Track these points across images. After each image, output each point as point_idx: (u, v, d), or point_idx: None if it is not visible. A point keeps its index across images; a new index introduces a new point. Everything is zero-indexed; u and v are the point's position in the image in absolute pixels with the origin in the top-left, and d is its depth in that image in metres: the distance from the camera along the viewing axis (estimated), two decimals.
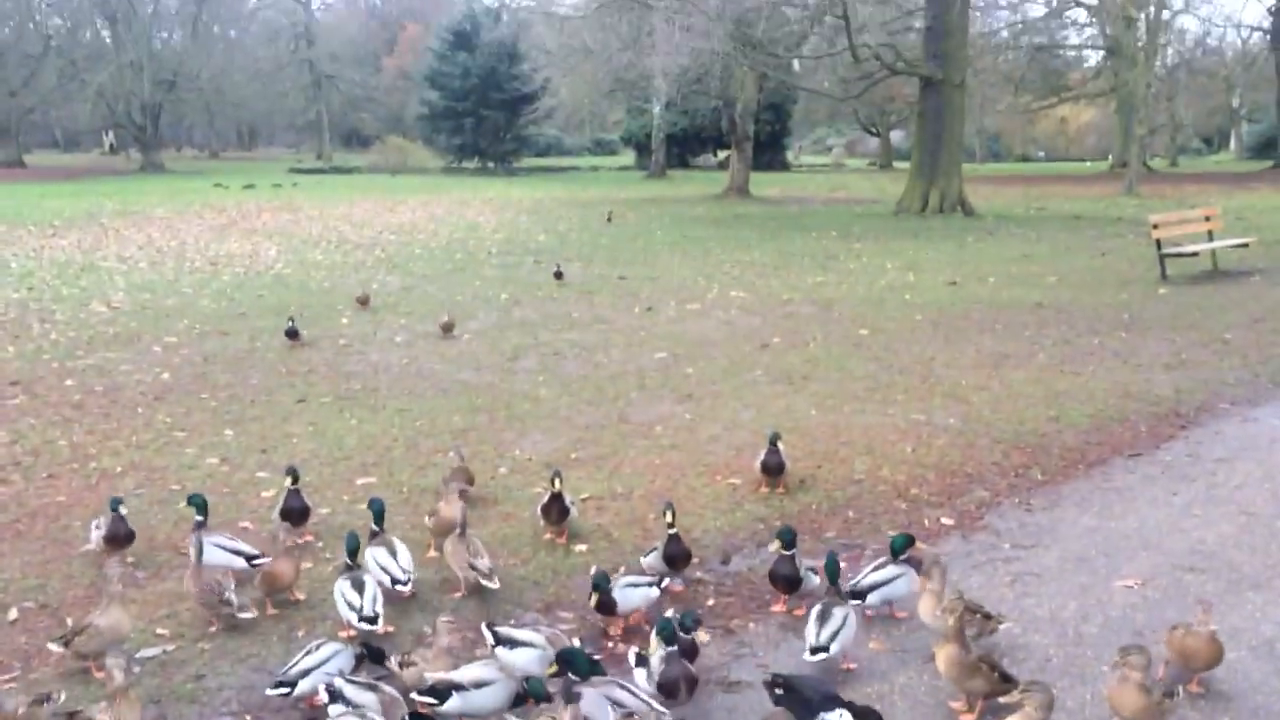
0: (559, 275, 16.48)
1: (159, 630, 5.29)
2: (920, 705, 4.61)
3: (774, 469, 7.14)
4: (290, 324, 12.28)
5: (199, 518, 5.81)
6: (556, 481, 6.30)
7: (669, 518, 5.66)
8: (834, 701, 4.10)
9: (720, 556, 6.21)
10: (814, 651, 4.67)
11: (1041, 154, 78.86)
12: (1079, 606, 5.50)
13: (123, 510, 5.98)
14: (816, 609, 4.85)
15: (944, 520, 6.76)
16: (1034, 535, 6.48)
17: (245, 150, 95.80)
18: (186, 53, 67.45)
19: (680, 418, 9.15)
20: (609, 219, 27.78)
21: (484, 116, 59.61)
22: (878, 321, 13.49)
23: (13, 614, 5.48)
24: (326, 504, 7.03)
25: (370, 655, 4.62)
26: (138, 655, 5.02)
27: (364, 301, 14.74)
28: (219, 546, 5.70)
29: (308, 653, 4.61)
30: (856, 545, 6.36)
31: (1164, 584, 5.74)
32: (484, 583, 5.47)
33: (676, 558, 5.64)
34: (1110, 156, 58.65)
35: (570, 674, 4.24)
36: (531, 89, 46.89)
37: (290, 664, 4.62)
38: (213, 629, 5.27)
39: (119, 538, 5.96)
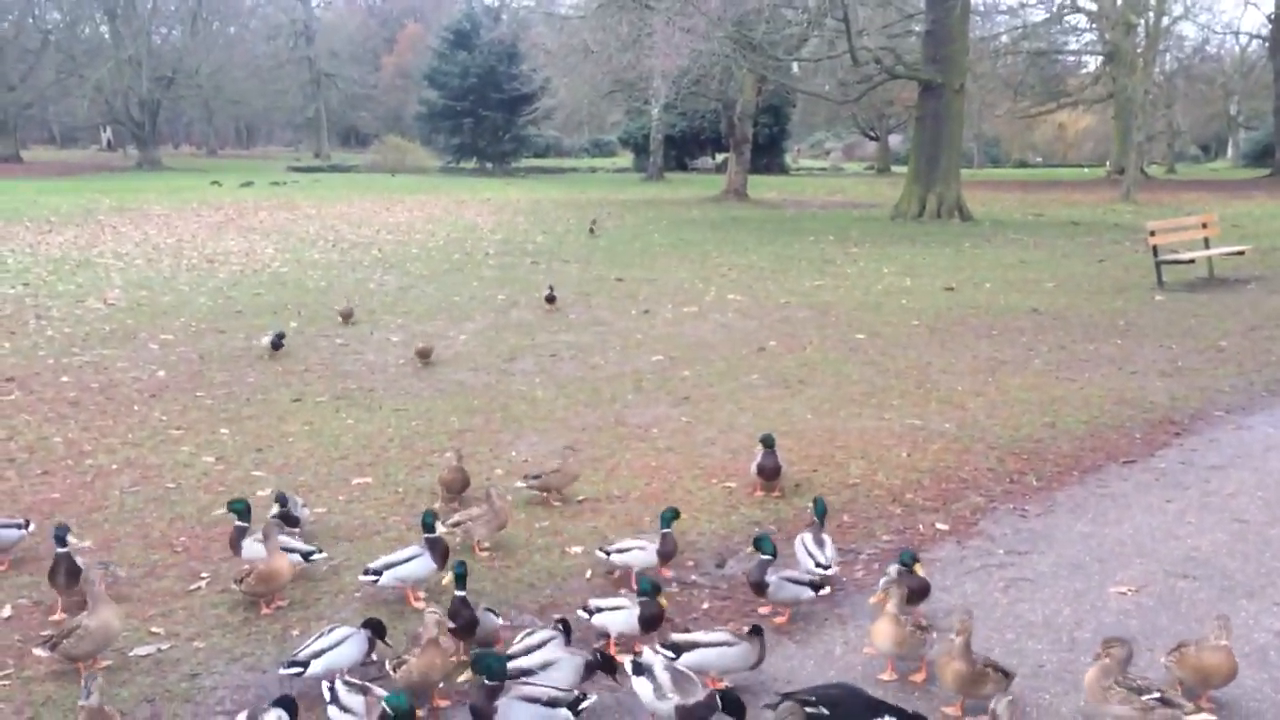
0: (551, 299, 14.43)
1: (153, 629, 5.29)
2: (921, 710, 4.61)
3: (770, 472, 7.15)
4: (277, 336, 11.55)
5: (240, 523, 5.87)
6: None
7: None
8: (880, 709, 4.15)
9: (715, 560, 6.21)
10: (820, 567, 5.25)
11: (1039, 159, 78.96)
12: (1073, 612, 5.51)
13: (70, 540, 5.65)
14: (807, 537, 5.37)
15: (939, 525, 6.77)
16: (1029, 541, 6.49)
17: (243, 148, 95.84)
18: (185, 49, 67.47)
19: (677, 420, 9.16)
20: (591, 230, 25.09)
21: (483, 116, 59.63)
22: (874, 326, 13.51)
23: (6, 611, 5.48)
24: (322, 504, 7.03)
25: (375, 633, 4.77)
26: (131, 654, 5.03)
27: (347, 316, 13.45)
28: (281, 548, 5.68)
29: (320, 635, 4.73)
30: (851, 550, 6.36)
31: (1158, 591, 5.76)
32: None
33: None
34: (1108, 162, 58.72)
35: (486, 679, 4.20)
36: (530, 89, 46.83)
37: (304, 645, 4.73)
38: (211, 627, 5.28)
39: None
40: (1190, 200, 36.05)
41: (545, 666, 4.53)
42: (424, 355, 11.20)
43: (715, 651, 4.67)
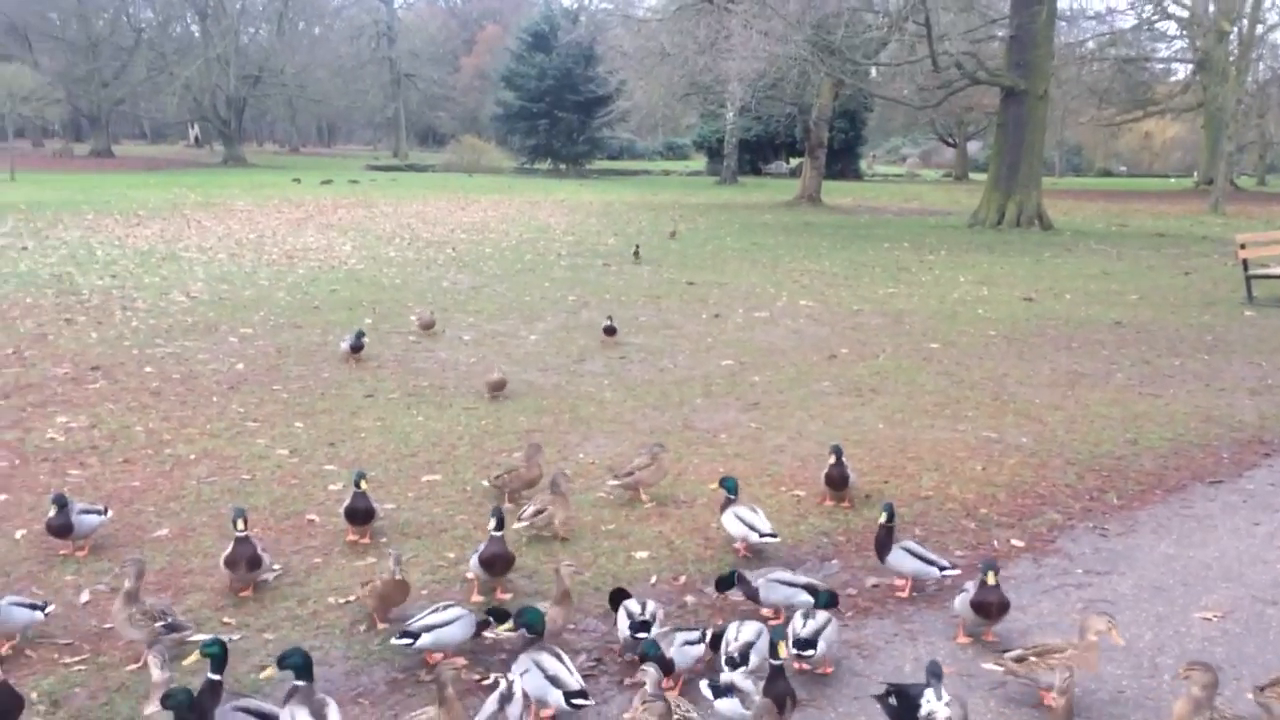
0: (611, 331, 12.42)
1: (225, 619, 5.37)
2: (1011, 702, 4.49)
3: (838, 481, 7.04)
4: (358, 338, 11.18)
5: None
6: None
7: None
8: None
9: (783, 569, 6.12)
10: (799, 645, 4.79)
11: (1123, 169, 77.12)
12: (1155, 637, 5.32)
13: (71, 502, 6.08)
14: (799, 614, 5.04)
15: (1014, 542, 6.60)
16: (1109, 561, 6.29)
17: (324, 146, 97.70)
18: (271, 48, 69.14)
19: (745, 426, 9.08)
20: (673, 235, 25.05)
21: (558, 118, 60.02)
22: (949, 335, 13.27)
23: (85, 596, 5.60)
24: (392, 499, 7.09)
25: (495, 618, 4.96)
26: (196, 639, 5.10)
27: (428, 326, 12.75)
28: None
29: (435, 610, 4.97)
30: None
31: (1245, 618, 5.54)
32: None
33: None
34: (1195, 173, 57.11)
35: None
36: (606, 91, 47.00)
37: (418, 617, 4.96)
38: (282, 619, 5.34)
39: (54, 529, 6.01)
40: None
41: (446, 624, 4.90)
42: (497, 388, 9.77)
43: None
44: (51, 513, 6.00)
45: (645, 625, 4.87)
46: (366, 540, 6.38)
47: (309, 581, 5.84)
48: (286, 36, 71.22)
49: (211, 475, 7.50)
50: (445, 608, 5.02)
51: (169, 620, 4.93)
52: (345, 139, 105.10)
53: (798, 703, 4.30)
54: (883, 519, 5.81)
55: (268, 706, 4.28)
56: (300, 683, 4.24)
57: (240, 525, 5.53)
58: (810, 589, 5.38)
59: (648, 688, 4.14)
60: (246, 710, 4.21)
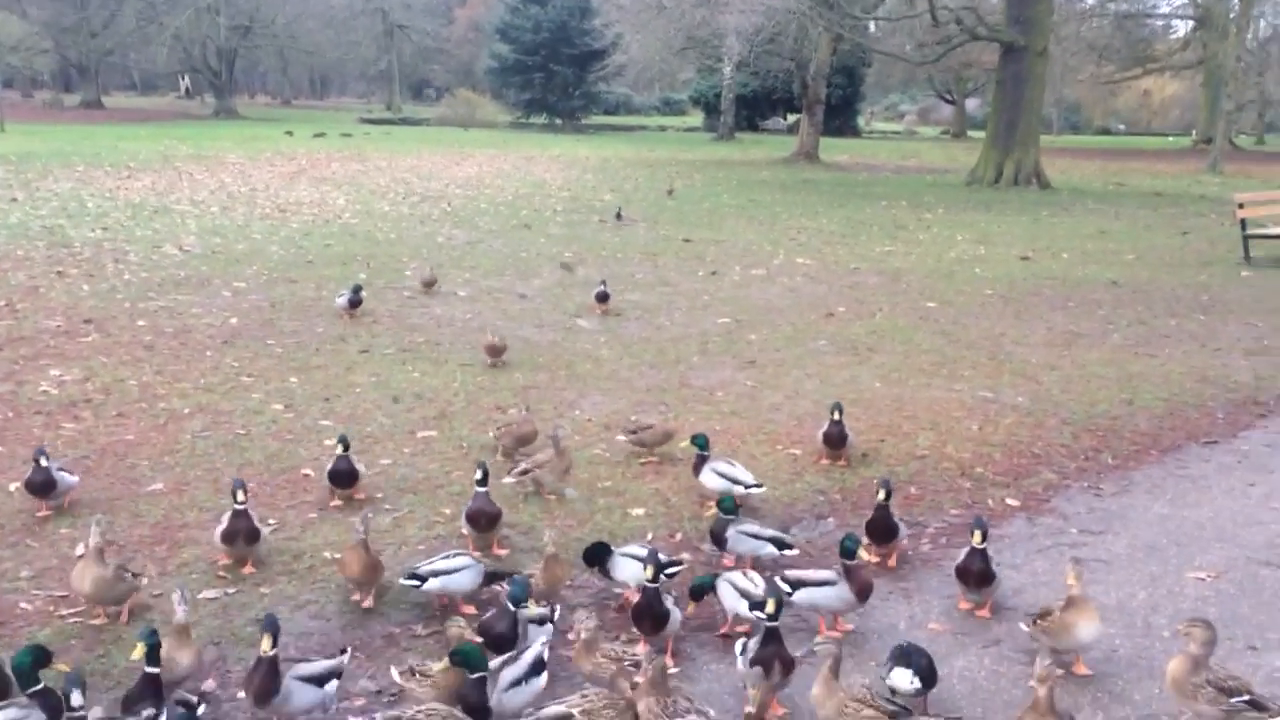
0: (604, 298, 11.83)
1: (220, 573, 5.36)
2: (979, 689, 4.51)
3: (836, 440, 7.03)
4: (355, 292, 11.13)
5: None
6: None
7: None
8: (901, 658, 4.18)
9: (779, 527, 6.12)
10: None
11: (1122, 127, 76.61)
12: (1148, 597, 5.35)
13: (44, 461, 5.90)
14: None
15: (1009, 501, 6.61)
16: (1103, 521, 6.31)
17: (316, 99, 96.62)
18: None
19: (742, 384, 9.06)
20: (670, 193, 24.77)
21: (554, 72, 59.34)
22: (946, 294, 13.23)
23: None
24: (388, 455, 7.08)
25: (494, 576, 5.10)
26: (199, 596, 5.10)
27: (429, 284, 12.61)
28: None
29: (445, 557, 5.07)
30: (918, 523, 6.24)
31: (1239, 578, 5.56)
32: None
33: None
34: (1194, 132, 56.70)
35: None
36: (602, 45, 46.49)
37: (427, 561, 5.08)
38: (277, 574, 5.34)
39: (35, 485, 5.90)
40: None
41: (454, 570, 4.98)
42: (495, 352, 9.50)
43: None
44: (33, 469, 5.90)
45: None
46: (361, 496, 6.35)
47: (304, 536, 5.84)
48: None
49: (206, 430, 7.48)
50: (455, 555, 5.11)
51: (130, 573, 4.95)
52: (338, 92, 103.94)
53: (791, 666, 4.20)
54: (880, 496, 5.57)
55: (322, 666, 4.24)
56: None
57: (240, 497, 5.34)
58: (776, 541, 5.47)
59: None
60: (307, 678, 4.14)
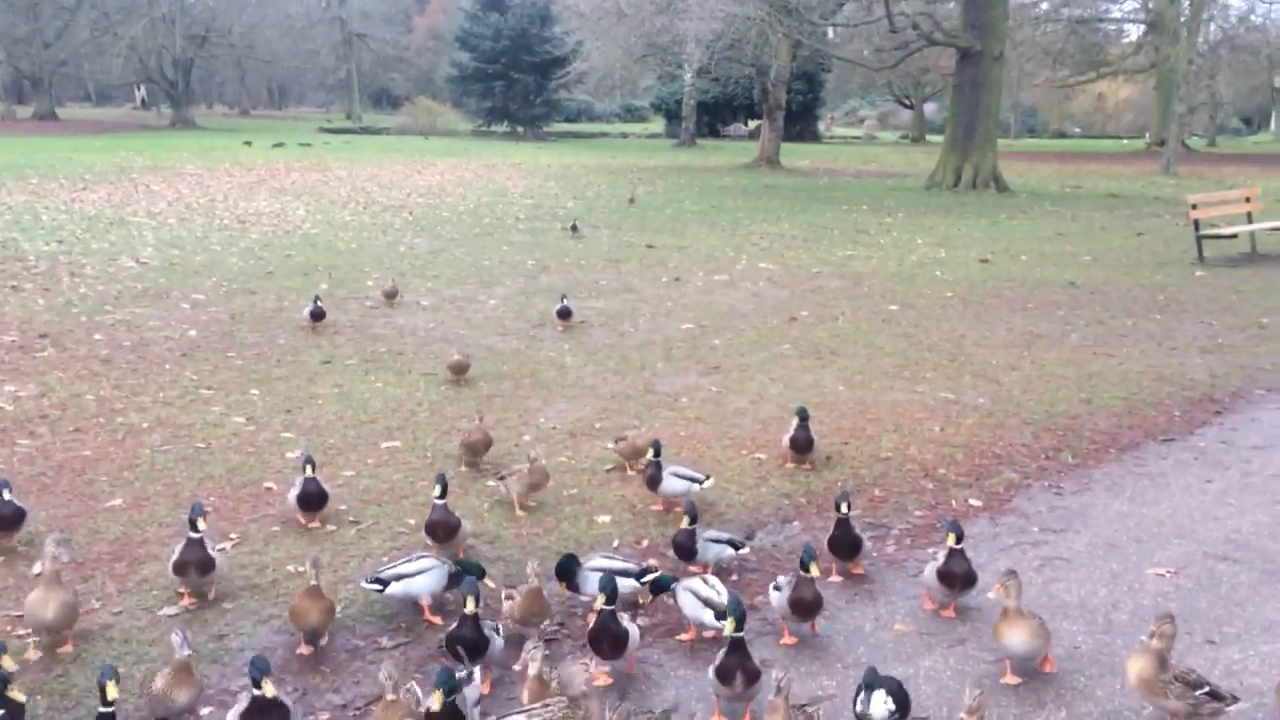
0: (565, 315, 11.22)
1: (180, 589, 5.29)
2: (945, 689, 4.54)
3: (802, 445, 7.06)
4: (315, 304, 10.94)
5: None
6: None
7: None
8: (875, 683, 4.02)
9: (744, 532, 6.14)
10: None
11: (1077, 130, 77.67)
12: (1109, 593, 5.41)
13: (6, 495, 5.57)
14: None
15: (972, 501, 6.67)
16: (1064, 519, 6.38)
17: (275, 108, 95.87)
18: (218, 7, 67.42)
19: (706, 389, 9.08)
20: (632, 201, 24.41)
21: (514, 80, 59.24)
22: (907, 297, 13.34)
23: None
24: (351, 467, 7.02)
25: (465, 570, 4.94)
26: (160, 613, 5.03)
27: (391, 295, 12.35)
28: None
29: (408, 560, 5.04)
30: (882, 525, 6.28)
31: (1197, 573, 5.64)
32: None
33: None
34: (1147, 134, 57.58)
35: None
36: (563, 52, 46.36)
37: (389, 565, 5.05)
38: (240, 589, 5.28)
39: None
40: (1232, 174, 35.41)
41: (416, 574, 4.95)
42: (460, 370, 9.16)
43: None
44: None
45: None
46: (316, 525, 6.10)
47: (267, 550, 5.77)
48: None
49: (165, 444, 7.38)
50: (418, 558, 5.07)
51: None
52: (297, 101, 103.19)
53: (755, 678, 4.16)
54: (843, 508, 5.43)
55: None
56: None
57: (201, 525, 5.06)
58: (732, 543, 5.56)
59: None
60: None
